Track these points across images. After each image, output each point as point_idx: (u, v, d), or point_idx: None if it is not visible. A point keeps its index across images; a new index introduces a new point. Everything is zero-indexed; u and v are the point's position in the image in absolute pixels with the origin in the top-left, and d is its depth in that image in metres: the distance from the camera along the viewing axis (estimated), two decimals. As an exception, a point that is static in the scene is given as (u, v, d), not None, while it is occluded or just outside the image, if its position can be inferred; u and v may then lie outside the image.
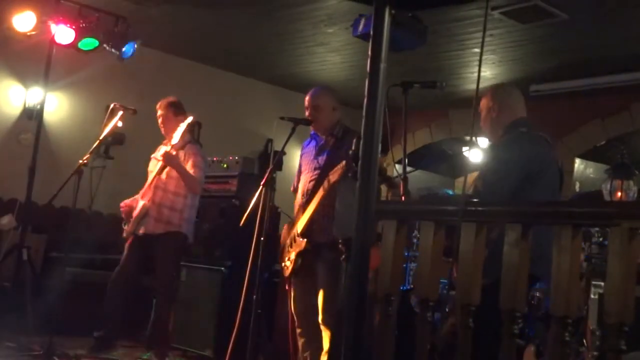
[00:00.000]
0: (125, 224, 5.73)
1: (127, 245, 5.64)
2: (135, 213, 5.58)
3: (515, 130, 3.68)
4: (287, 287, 4.74)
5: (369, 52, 1.79)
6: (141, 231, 5.52)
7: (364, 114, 1.79)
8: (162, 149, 5.56)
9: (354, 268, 1.85)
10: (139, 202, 5.59)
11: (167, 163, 5.39)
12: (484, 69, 7.67)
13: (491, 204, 2.41)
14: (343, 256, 2.39)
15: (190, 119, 5.43)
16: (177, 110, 5.63)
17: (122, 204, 5.77)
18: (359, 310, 1.83)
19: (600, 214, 1.94)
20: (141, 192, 5.66)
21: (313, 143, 4.75)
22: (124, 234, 5.69)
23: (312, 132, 4.81)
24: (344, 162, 4.13)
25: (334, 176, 4.25)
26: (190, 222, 5.60)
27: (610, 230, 1.87)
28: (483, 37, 2.26)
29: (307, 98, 4.73)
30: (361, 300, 1.84)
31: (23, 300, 6.02)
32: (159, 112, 5.69)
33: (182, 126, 5.33)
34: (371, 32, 1.81)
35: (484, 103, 3.84)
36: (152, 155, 5.61)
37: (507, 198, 3.29)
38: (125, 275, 5.57)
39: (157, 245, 5.47)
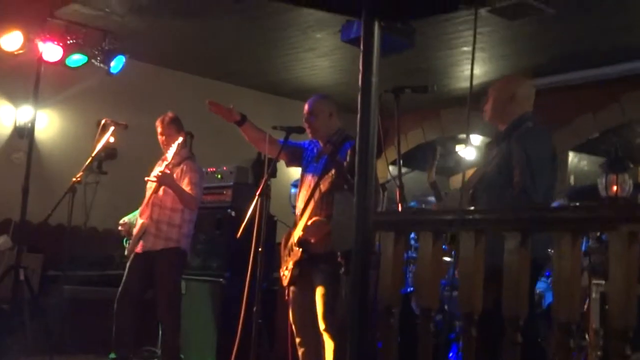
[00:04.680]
0: (126, 242, 5.73)
1: (128, 264, 5.63)
2: (135, 231, 5.58)
3: (524, 124, 3.69)
4: (286, 297, 4.72)
5: (360, 67, 1.77)
6: (141, 248, 5.52)
7: (358, 128, 1.78)
8: (157, 170, 5.54)
9: (355, 281, 1.83)
10: (138, 220, 5.59)
11: (162, 183, 5.40)
12: (474, 67, 7.66)
13: (489, 212, 2.40)
14: (342, 269, 2.36)
15: (180, 139, 5.43)
16: (178, 127, 5.63)
17: (120, 222, 5.76)
18: (361, 323, 1.81)
19: (598, 218, 1.93)
20: (140, 210, 5.66)
21: (315, 151, 4.73)
22: (126, 252, 5.69)
23: (313, 140, 4.78)
24: (332, 172, 4.11)
25: (324, 185, 4.23)
26: (188, 237, 5.60)
27: (609, 235, 1.86)
28: (474, 39, 2.24)
29: (305, 105, 4.72)
30: (363, 312, 1.82)
31: (22, 320, 5.98)
32: (160, 130, 5.67)
33: (174, 146, 5.36)
34: (361, 46, 1.80)
35: (499, 89, 3.82)
36: (147, 178, 5.58)
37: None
38: (130, 294, 5.55)
39: (157, 262, 5.47)
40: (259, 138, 4.85)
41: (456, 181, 10.84)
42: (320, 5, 2.27)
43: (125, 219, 5.77)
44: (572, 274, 1.94)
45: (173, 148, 5.36)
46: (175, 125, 5.64)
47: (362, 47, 1.80)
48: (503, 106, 3.76)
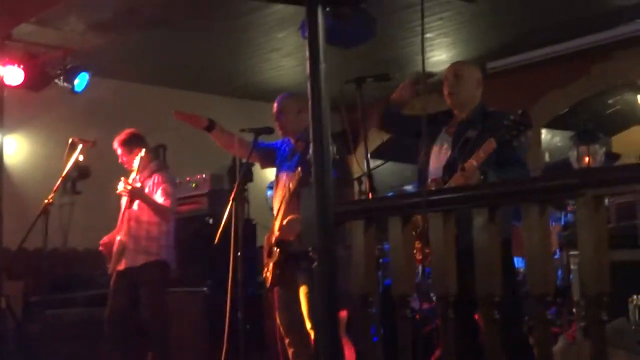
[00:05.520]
0: (108, 262, 5.67)
1: (111, 282, 5.56)
2: (114, 249, 5.52)
3: (485, 109, 3.78)
4: (271, 299, 4.69)
5: (307, 55, 1.74)
6: (122, 266, 5.45)
7: (310, 118, 1.75)
8: (122, 183, 5.47)
9: (321, 272, 1.80)
10: (117, 238, 5.53)
11: (133, 197, 5.36)
12: (438, 53, 7.66)
13: (455, 191, 2.37)
14: (314, 264, 2.33)
15: (142, 152, 5.38)
16: (131, 146, 5.54)
17: (100, 242, 5.70)
18: (330, 314, 1.79)
19: (563, 186, 1.91)
20: (117, 227, 5.61)
21: (287, 150, 4.69)
22: (109, 271, 5.62)
23: (285, 139, 4.74)
24: (299, 169, 4.09)
25: (292, 184, 4.20)
26: (169, 248, 5.54)
27: (576, 202, 1.83)
28: (422, 19, 2.22)
29: (274, 104, 4.70)
30: (332, 304, 1.79)
31: (7, 350, 5.90)
32: (117, 151, 5.63)
33: (137, 160, 5.32)
34: (307, 34, 1.76)
35: (469, 75, 3.84)
36: (118, 191, 5.52)
37: None
38: (117, 312, 5.48)
39: (140, 278, 5.40)
40: (230, 142, 4.82)
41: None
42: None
43: (105, 238, 5.71)
44: (543, 244, 1.92)
45: (136, 162, 5.33)
46: (128, 145, 5.57)
47: (307, 34, 1.77)
48: (473, 91, 3.80)
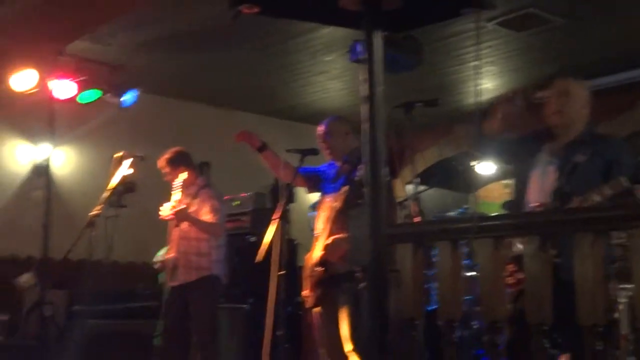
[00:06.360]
0: (159, 276, 5.79)
1: (167, 298, 5.64)
2: (168, 267, 5.62)
3: (594, 131, 3.55)
4: (310, 318, 4.70)
5: (365, 77, 1.77)
6: (175, 283, 5.53)
7: (364, 139, 1.78)
8: (168, 204, 5.50)
9: (372, 294, 1.82)
10: (169, 256, 5.63)
11: (179, 219, 5.42)
12: (485, 81, 7.65)
13: (506, 218, 2.38)
14: (363, 284, 2.34)
15: (184, 175, 5.43)
16: (177, 165, 5.60)
17: (154, 260, 5.81)
18: (381, 336, 1.80)
19: (618, 217, 1.90)
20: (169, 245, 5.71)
21: (333, 172, 4.72)
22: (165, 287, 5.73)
23: (332, 162, 4.77)
24: (346, 188, 4.11)
25: (337, 204, 4.22)
26: (220, 262, 5.59)
27: (631, 234, 1.82)
28: (477, 50, 2.24)
29: (321, 126, 4.73)
30: (383, 325, 1.81)
31: (49, 357, 5.99)
32: (162, 170, 5.69)
33: (178, 182, 5.37)
34: (356, 58, 1.80)
35: (579, 91, 3.57)
36: (161, 217, 5.55)
37: None
38: (170, 328, 5.55)
39: (192, 293, 5.46)
40: (278, 164, 4.87)
41: (483, 196, 10.74)
42: (324, 20, 2.29)
43: (159, 257, 5.81)
44: (595, 274, 1.91)
45: (177, 183, 5.39)
46: (174, 164, 5.62)
47: (360, 57, 1.80)
48: (581, 110, 3.56)
